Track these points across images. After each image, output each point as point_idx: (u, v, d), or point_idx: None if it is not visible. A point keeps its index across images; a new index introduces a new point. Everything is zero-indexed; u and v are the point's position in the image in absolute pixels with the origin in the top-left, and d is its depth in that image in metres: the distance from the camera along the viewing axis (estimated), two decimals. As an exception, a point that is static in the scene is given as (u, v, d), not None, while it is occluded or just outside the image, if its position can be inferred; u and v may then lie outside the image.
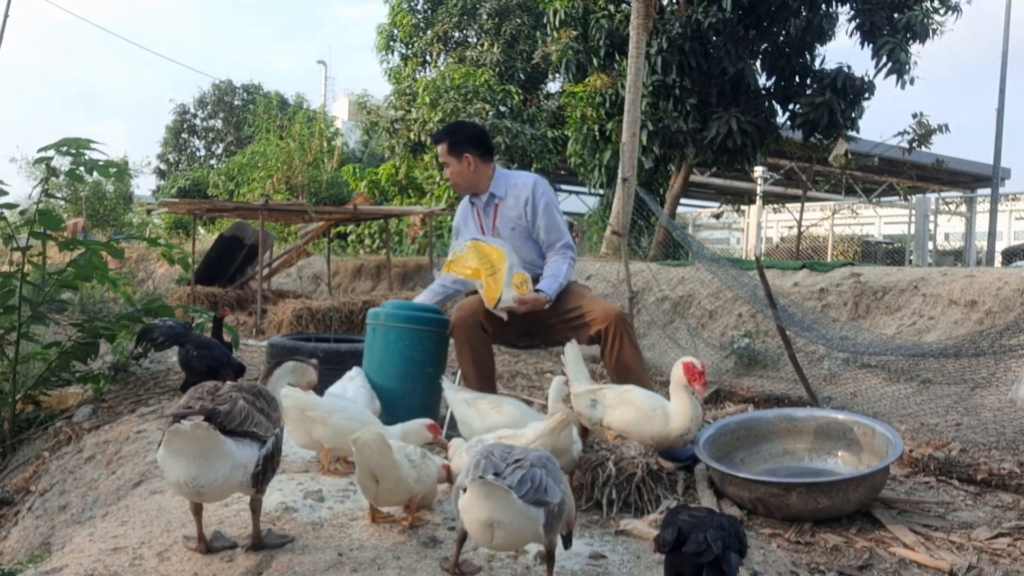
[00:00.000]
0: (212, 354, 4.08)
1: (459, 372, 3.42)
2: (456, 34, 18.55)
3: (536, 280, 3.40)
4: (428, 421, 2.84)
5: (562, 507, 1.84)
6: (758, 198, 16.63)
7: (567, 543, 2.00)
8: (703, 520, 1.82)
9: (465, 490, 1.84)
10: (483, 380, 3.32)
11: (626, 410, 2.85)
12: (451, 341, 3.49)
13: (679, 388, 2.77)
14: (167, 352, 4.79)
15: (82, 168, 4.08)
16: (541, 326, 3.43)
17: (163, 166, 32.18)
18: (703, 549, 1.73)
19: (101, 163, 4.14)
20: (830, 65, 10.10)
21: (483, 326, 3.31)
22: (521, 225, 3.54)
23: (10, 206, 4.21)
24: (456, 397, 3.02)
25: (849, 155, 10.23)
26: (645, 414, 2.82)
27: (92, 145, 4.06)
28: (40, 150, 4.02)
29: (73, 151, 4.01)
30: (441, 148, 3.58)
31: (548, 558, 1.90)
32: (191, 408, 1.94)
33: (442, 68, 17.21)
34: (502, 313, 3.24)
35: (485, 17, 17.65)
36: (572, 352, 3.12)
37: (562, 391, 2.95)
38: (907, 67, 9.54)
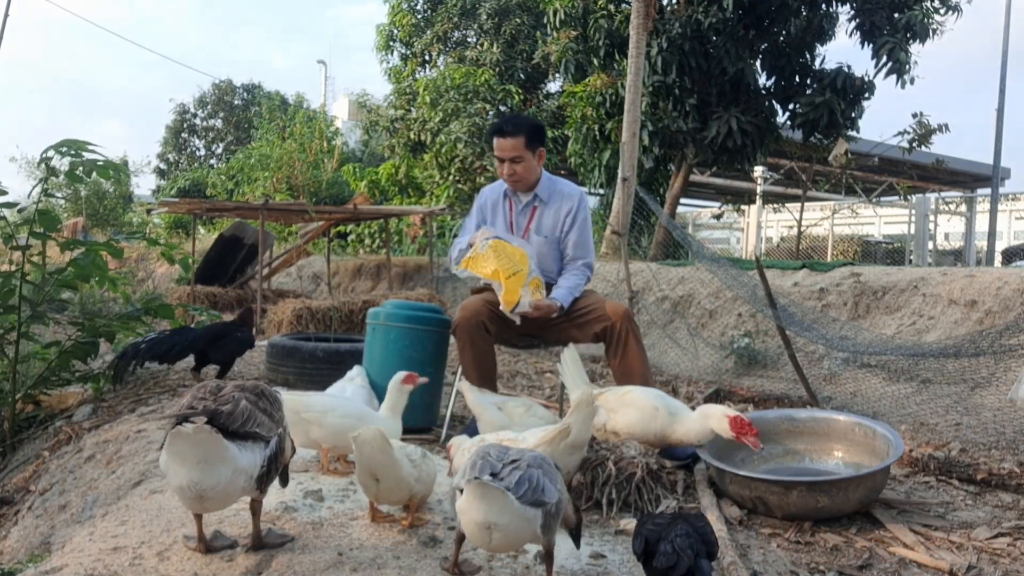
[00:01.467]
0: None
1: (459, 371, 3.42)
2: (456, 34, 18.54)
3: (549, 289, 3.40)
4: (403, 374, 2.87)
5: (559, 507, 1.84)
6: (758, 198, 16.61)
7: (577, 541, 1.98)
8: (667, 527, 1.77)
9: (462, 491, 1.83)
10: (484, 380, 3.32)
11: (628, 412, 2.84)
12: (451, 340, 3.49)
13: (705, 418, 2.76)
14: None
15: (81, 169, 4.09)
16: (546, 326, 3.42)
17: (163, 166, 32.19)
18: (674, 562, 1.69)
19: (101, 163, 4.14)
20: (830, 65, 10.11)
21: (486, 326, 3.30)
22: (555, 236, 3.53)
23: (9, 205, 4.21)
24: (484, 400, 3.01)
25: (849, 155, 10.22)
26: (648, 413, 2.82)
27: (90, 147, 4.06)
28: (44, 152, 4.04)
29: (73, 153, 4.01)
30: (517, 141, 3.41)
31: (547, 558, 1.90)
32: (193, 408, 1.91)
33: (442, 68, 17.21)
34: (515, 317, 3.22)
35: (485, 17, 17.63)
36: (570, 357, 3.11)
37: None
38: (907, 67, 9.54)
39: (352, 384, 3.35)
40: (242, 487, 1.94)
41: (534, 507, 1.77)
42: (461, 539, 1.95)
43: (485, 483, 1.74)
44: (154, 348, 4.36)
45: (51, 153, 4.03)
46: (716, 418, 2.71)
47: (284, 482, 2.21)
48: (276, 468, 2.06)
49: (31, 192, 4.17)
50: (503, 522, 1.76)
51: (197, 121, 33.03)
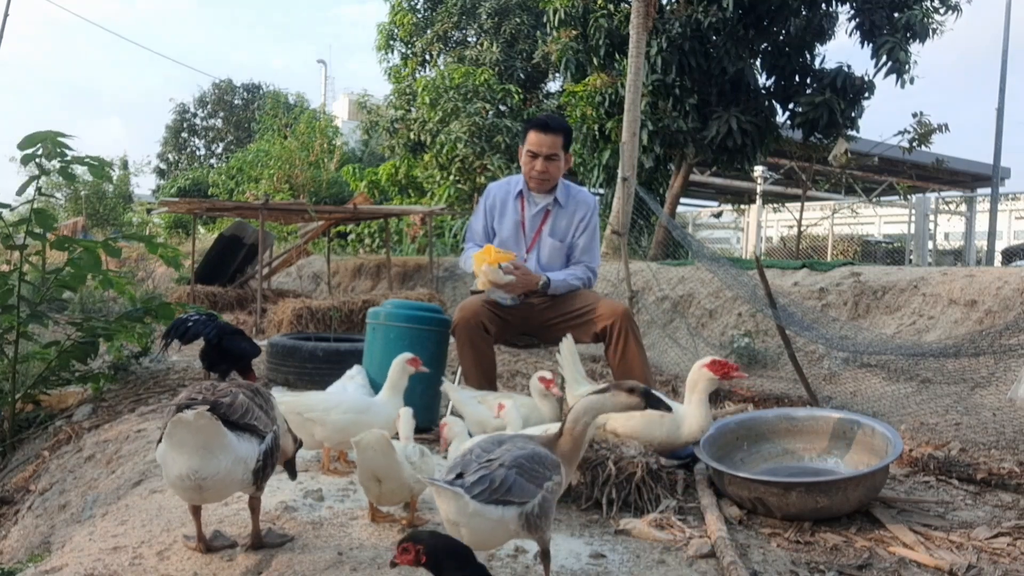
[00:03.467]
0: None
1: (459, 371, 3.42)
2: (456, 33, 18.55)
3: None
4: (408, 355, 2.89)
5: (544, 505, 1.82)
6: (758, 197, 16.62)
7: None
8: None
9: None
10: (484, 380, 3.32)
11: (632, 415, 2.83)
12: (451, 340, 3.48)
13: (696, 392, 2.77)
14: (167, 351, 4.80)
15: (62, 162, 4.05)
16: (545, 324, 3.42)
17: (163, 165, 32.20)
18: None
19: (86, 159, 4.13)
20: (830, 64, 10.14)
21: (485, 326, 3.31)
22: (567, 240, 3.55)
23: (2, 206, 4.20)
24: (464, 396, 3.01)
25: (849, 154, 10.23)
26: (653, 419, 2.81)
27: (64, 138, 4.01)
28: (19, 145, 3.95)
29: (51, 146, 3.96)
30: (556, 139, 3.41)
31: (543, 557, 1.89)
32: (194, 400, 1.94)
33: (442, 67, 17.21)
34: (502, 296, 3.20)
35: (485, 16, 17.64)
36: (568, 349, 3.10)
37: (538, 387, 2.98)
38: (907, 66, 9.55)
39: (352, 383, 3.35)
40: (240, 479, 1.96)
41: (498, 506, 1.75)
42: (459, 538, 1.96)
43: (434, 484, 1.77)
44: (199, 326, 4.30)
45: (38, 150, 3.97)
46: (697, 372, 2.82)
47: (292, 475, 2.30)
48: (272, 465, 2.07)
49: (20, 189, 4.07)
50: (463, 521, 1.76)
51: (197, 121, 33.04)
